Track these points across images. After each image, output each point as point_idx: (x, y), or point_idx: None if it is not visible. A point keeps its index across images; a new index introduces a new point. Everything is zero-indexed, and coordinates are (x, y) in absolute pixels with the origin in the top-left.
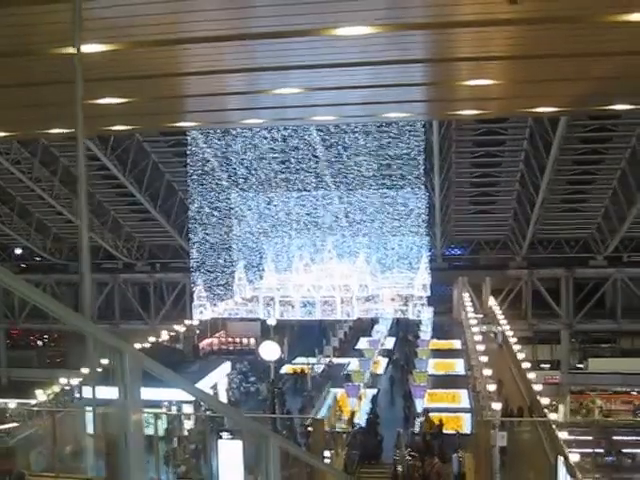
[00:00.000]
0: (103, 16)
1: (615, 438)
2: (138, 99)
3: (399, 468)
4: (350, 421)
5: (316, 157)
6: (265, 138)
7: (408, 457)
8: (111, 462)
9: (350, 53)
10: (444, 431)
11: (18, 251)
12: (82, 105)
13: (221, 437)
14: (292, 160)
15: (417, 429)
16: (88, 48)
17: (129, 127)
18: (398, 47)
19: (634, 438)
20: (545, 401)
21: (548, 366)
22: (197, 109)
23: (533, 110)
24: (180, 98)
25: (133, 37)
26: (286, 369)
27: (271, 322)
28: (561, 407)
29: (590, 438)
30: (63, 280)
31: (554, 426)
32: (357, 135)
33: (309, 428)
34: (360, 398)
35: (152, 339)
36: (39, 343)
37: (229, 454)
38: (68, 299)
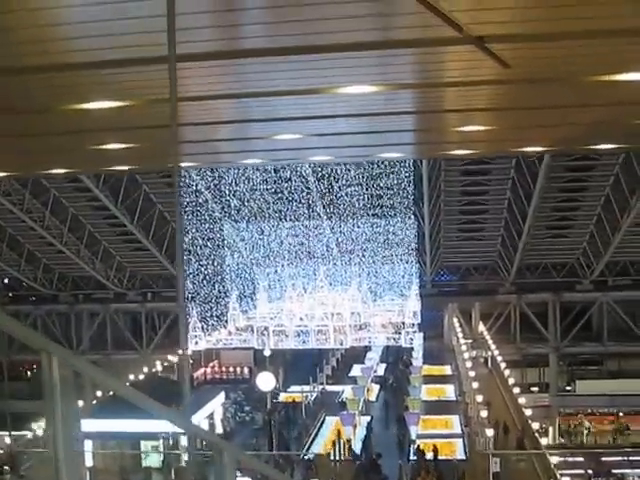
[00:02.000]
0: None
1: (604, 459)
2: (138, 145)
3: None
4: (348, 449)
5: (308, 188)
6: (257, 170)
7: None
8: None
9: (345, 107)
10: (440, 457)
11: (5, 281)
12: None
13: None
14: (284, 191)
15: (412, 457)
16: (98, 105)
17: (127, 167)
18: (391, 102)
19: (622, 458)
20: (536, 425)
21: (537, 389)
22: (192, 152)
23: (520, 150)
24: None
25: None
26: (280, 398)
27: (266, 353)
28: (550, 429)
29: (580, 459)
30: (54, 310)
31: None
32: (348, 167)
33: (311, 463)
34: (355, 426)
35: (146, 369)
36: (29, 374)
37: None
38: (58, 329)
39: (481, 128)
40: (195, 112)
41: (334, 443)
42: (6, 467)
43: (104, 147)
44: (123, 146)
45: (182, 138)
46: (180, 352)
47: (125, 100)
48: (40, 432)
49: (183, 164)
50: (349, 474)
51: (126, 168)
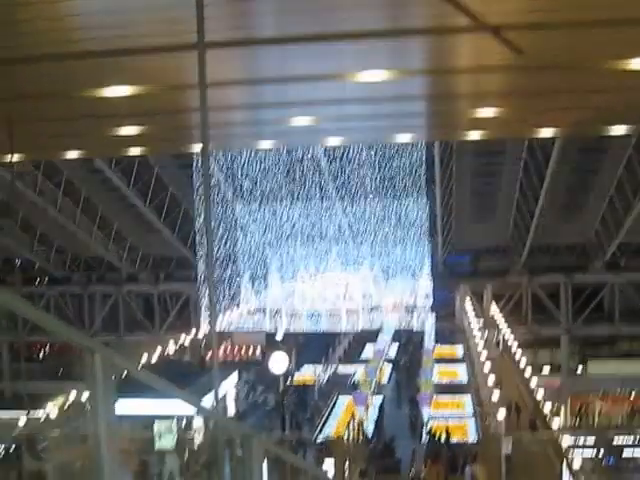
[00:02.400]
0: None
1: (615, 440)
2: (154, 128)
3: None
4: (359, 430)
5: (320, 169)
6: (269, 152)
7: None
8: None
9: (358, 91)
10: (451, 440)
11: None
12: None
13: None
14: (296, 173)
15: (425, 437)
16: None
17: (143, 150)
18: (404, 86)
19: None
20: (548, 407)
21: (548, 369)
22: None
23: (533, 133)
24: (191, 129)
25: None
26: (287, 379)
27: (278, 337)
28: (562, 411)
29: (591, 439)
30: (67, 292)
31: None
32: (360, 148)
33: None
34: (367, 407)
35: (159, 351)
36: (41, 355)
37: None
38: (71, 311)
39: (493, 111)
40: (211, 97)
41: (348, 424)
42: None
43: (121, 132)
44: (141, 129)
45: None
46: (192, 333)
47: (144, 85)
48: (54, 413)
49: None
50: (362, 456)
51: (143, 151)
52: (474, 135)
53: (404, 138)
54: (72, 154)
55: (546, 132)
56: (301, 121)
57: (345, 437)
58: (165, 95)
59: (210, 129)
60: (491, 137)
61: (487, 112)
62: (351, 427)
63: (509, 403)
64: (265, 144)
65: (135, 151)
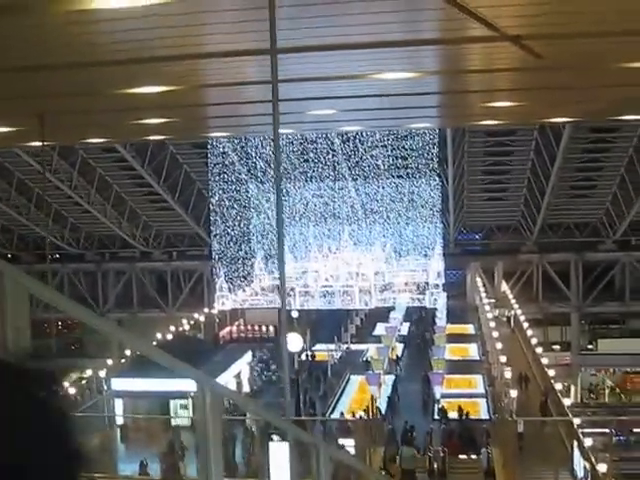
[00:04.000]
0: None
1: (625, 418)
2: (176, 119)
3: (435, 465)
4: (374, 410)
5: (333, 150)
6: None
7: (442, 453)
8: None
9: (376, 88)
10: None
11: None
12: None
13: (272, 439)
14: (310, 153)
15: (436, 416)
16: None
17: (165, 137)
18: (419, 85)
19: None
20: (559, 386)
21: (558, 347)
22: (224, 124)
23: (546, 120)
24: (208, 119)
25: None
26: (304, 356)
27: (294, 314)
28: (572, 388)
29: (602, 418)
30: (80, 269)
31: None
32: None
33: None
34: (380, 385)
35: (172, 328)
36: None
37: (278, 457)
38: (85, 288)
39: (506, 104)
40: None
41: (367, 408)
42: None
43: (145, 122)
44: (163, 120)
45: (214, 113)
46: (206, 310)
47: (168, 86)
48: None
49: (217, 134)
50: (383, 439)
51: (164, 138)
52: (486, 122)
53: (419, 125)
54: (96, 140)
55: (557, 120)
56: (322, 112)
57: (364, 417)
58: (187, 93)
59: (234, 117)
60: (503, 124)
61: (500, 104)
62: (366, 407)
63: (518, 375)
64: (285, 131)
65: (156, 137)
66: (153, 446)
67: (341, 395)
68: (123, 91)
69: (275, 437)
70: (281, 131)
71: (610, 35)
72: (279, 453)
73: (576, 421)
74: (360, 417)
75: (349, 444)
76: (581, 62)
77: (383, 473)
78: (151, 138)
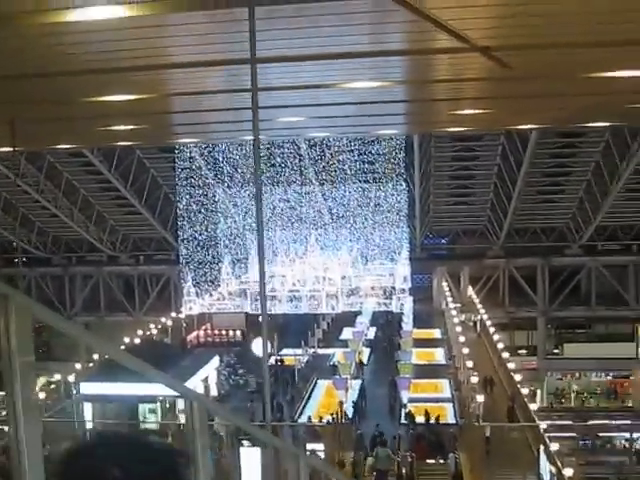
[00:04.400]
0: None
1: (591, 422)
2: (145, 126)
3: (403, 470)
4: (342, 414)
5: (300, 155)
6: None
7: (410, 458)
8: None
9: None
10: (431, 422)
11: None
12: None
13: (242, 444)
14: (277, 158)
15: (404, 420)
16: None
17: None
18: (387, 93)
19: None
20: (525, 391)
21: (525, 352)
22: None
23: (513, 127)
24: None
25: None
26: (272, 361)
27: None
28: (538, 392)
29: (567, 422)
30: (47, 273)
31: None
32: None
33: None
34: (347, 390)
35: (140, 332)
36: None
37: (249, 462)
38: (52, 292)
39: (472, 111)
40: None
41: (336, 412)
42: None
43: (114, 128)
44: (131, 127)
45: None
46: (174, 315)
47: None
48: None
49: (185, 140)
50: (351, 444)
51: (132, 144)
52: (453, 128)
53: (386, 132)
54: (66, 145)
55: (524, 127)
56: (292, 119)
57: (332, 421)
58: (155, 101)
59: (199, 125)
60: (469, 130)
61: (467, 112)
62: (333, 411)
63: (484, 378)
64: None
65: (126, 143)
66: None
67: (308, 399)
68: (94, 99)
69: (245, 442)
70: (250, 137)
71: (577, 46)
72: (250, 458)
73: (542, 425)
74: (329, 422)
75: (318, 449)
76: (548, 72)
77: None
78: (121, 144)
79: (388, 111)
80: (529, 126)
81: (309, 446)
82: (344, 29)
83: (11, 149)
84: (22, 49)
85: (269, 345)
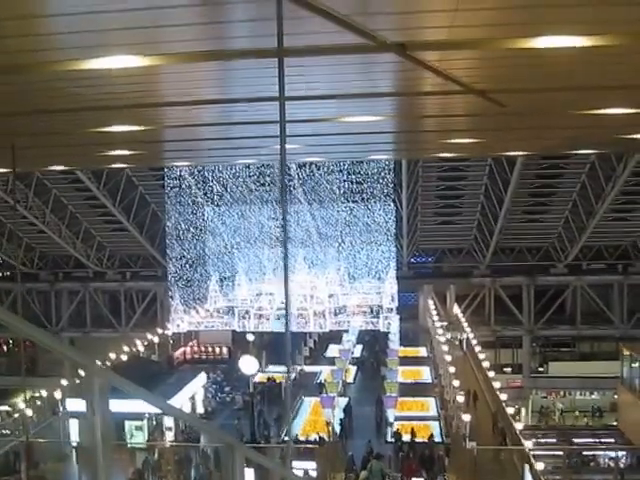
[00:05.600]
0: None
1: (576, 440)
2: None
3: None
4: (329, 433)
5: (289, 174)
6: None
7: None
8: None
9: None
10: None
11: None
12: None
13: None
14: (266, 177)
15: (390, 438)
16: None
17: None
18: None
19: (594, 440)
20: (510, 410)
21: (510, 370)
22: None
23: (503, 154)
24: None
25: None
26: (259, 378)
27: (249, 338)
28: (523, 410)
29: (552, 440)
30: (34, 289)
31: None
32: None
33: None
34: (334, 408)
35: (126, 348)
36: (5, 348)
37: None
38: (38, 307)
39: (462, 141)
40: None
41: (326, 431)
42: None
43: (111, 153)
44: (127, 152)
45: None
46: (160, 331)
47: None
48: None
49: (177, 163)
50: (343, 464)
51: (126, 166)
52: (443, 154)
53: (376, 157)
54: (63, 167)
55: (513, 153)
56: (287, 146)
57: (324, 440)
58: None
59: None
60: (459, 157)
61: (457, 141)
62: (325, 430)
63: (467, 391)
64: (247, 161)
65: (121, 165)
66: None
67: (295, 417)
68: (95, 130)
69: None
70: (244, 161)
71: (570, 89)
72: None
73: (528, 444)
74: (318, 440)
75: (309, 467)
76: (540, 109)
77: None
78: (118, 166)
79: (379, 140)
80: (518, 153)
81: (301, 465)
82: (350, 76)
83: (11, 170)
84: (31, 91)
85: (257, 363)
